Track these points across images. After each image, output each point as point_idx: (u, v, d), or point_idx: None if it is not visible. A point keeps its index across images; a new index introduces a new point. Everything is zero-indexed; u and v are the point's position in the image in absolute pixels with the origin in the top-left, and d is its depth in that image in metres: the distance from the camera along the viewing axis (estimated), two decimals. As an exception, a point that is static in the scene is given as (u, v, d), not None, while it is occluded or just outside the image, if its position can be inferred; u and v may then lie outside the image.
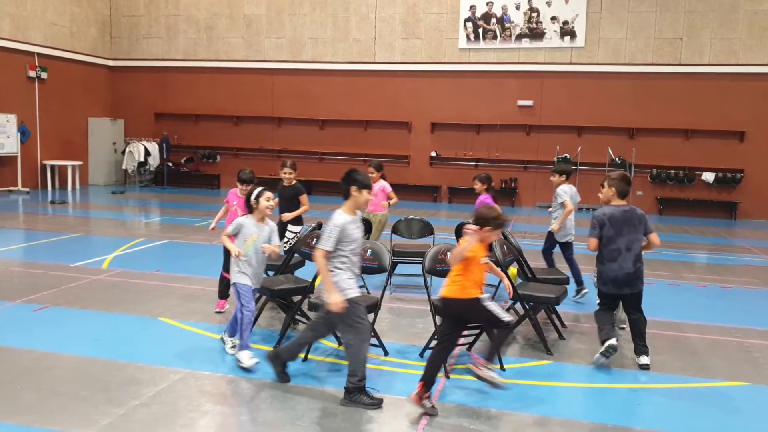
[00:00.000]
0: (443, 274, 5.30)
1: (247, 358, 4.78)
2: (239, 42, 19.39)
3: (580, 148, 17.24)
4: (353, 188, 4.28)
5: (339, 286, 4.21)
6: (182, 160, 20.06)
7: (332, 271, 4.25)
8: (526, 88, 17.64)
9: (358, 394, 4.24)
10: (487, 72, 17.74)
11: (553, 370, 5.07)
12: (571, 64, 17.25)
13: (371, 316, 5.03)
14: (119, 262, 8.60)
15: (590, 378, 4.94)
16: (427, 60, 18.11)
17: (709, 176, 16.79)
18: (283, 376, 4.59)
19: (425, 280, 5.26)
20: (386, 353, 5.24)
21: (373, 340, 5.10)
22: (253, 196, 4.86)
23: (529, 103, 17.64)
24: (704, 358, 5.50)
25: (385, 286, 5.27)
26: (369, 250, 5.31)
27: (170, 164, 19.81)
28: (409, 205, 16.95)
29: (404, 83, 18.36)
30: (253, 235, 4.84)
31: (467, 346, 5.41)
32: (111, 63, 20.37)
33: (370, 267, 5.24)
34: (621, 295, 5.16)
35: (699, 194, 16.99)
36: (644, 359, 5.05)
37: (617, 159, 17.17)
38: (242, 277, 4.83)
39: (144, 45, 20.15)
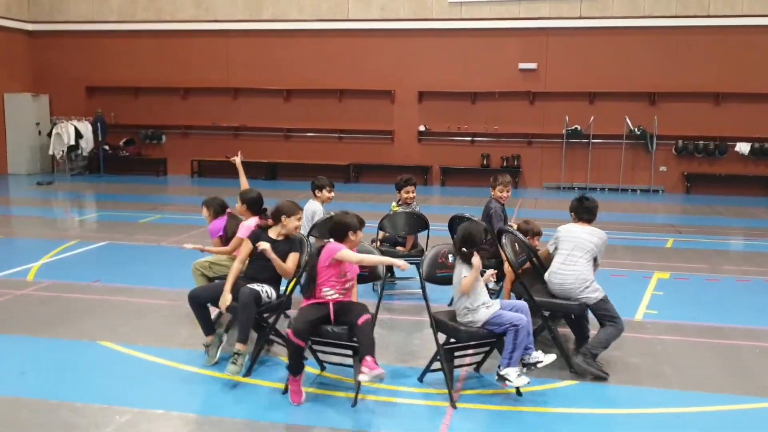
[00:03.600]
0: (445, 281, 5.16)
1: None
2: (185, -1, 18.98)
3: (593, 118, 17.16)
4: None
5: None
6: (121, 143, 19.68)
7: None
8: (528, 49, 17.47)
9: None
10: (483, 30, 17.53)
11: (578, 393, 4.94)
12: (580, 18, 17.10)
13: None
14: (48, 271, 8.30)
15: (626, 401, 4.81)
16: (411, 16, 17.85)
17: (743, 147, 16.83)
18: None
19: (423, 290, 5.08)
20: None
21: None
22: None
23: (533, 66, 17.49)
24: (758, 371, 5.41)
25: (381, 297, 5.13)
26: (355, 254, 5.11)
27: (106, 147, 19.42)
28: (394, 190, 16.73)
29: (385, 45, 18.10)
30: None
31: (475, 366, 5.27)
32: (30, 27, 19.80)
33: (360, 274, 5.06)
34: None
35: (732, 168, 17.04)
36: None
37: (636, 129, 17.14)
38: None
39: (70, 4, 19.60)
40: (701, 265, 9.17)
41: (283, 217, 5.22)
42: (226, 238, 6.38)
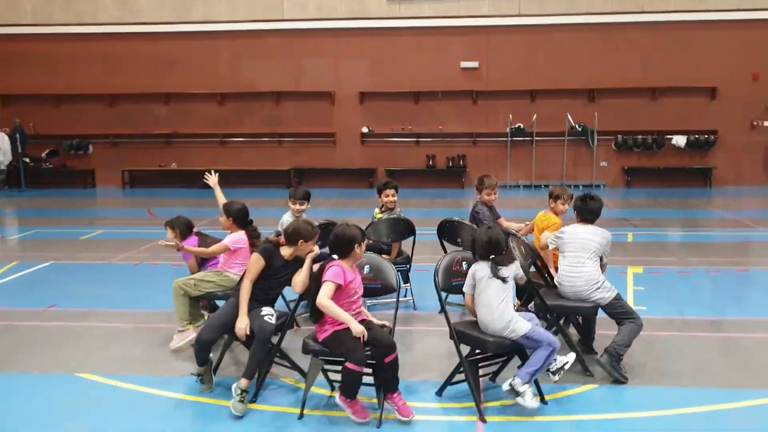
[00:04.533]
0: (460, 290, 5.01)
1: None
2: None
3: (535, 116, 17.41)
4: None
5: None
6: (43, 154, 18.70)
7: None
8: (469, 47, 17.59)
9: None
10: (423, 28, 17.55)
11: (602, 397, 4.88)
12: (519, 16, 17.33)
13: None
14: (-7, 298, 7.70)
15: (651, 403, 4.77)
16: (348, 15, 17.67)
17: (680, 140, 17.44)
18: None
19: (441, 300, 4.92)
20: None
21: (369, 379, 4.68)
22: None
23: (474, 64, 17.61)
24: (765, 364, 5.50)
25: (396, 309, 4.96)
26: (366, 266, 4.90)
27: (27, 160, 18.44)
28: (340, 193, 16.56)
29: (322, 45, 17.87)
30: None
31: (490, 375, 5.14)
32: (-66, 31, 18.57)
33: (371, 288, 4.85)
34: None
35: (670, 161, 17.64)
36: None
37: (577, 126, 17.49)
38: None
39: (-21, 7, 18.48)
40: (668, 258, 9.38)
41: (300, 241, 4.93)
42: (201, 259, 6.08)
